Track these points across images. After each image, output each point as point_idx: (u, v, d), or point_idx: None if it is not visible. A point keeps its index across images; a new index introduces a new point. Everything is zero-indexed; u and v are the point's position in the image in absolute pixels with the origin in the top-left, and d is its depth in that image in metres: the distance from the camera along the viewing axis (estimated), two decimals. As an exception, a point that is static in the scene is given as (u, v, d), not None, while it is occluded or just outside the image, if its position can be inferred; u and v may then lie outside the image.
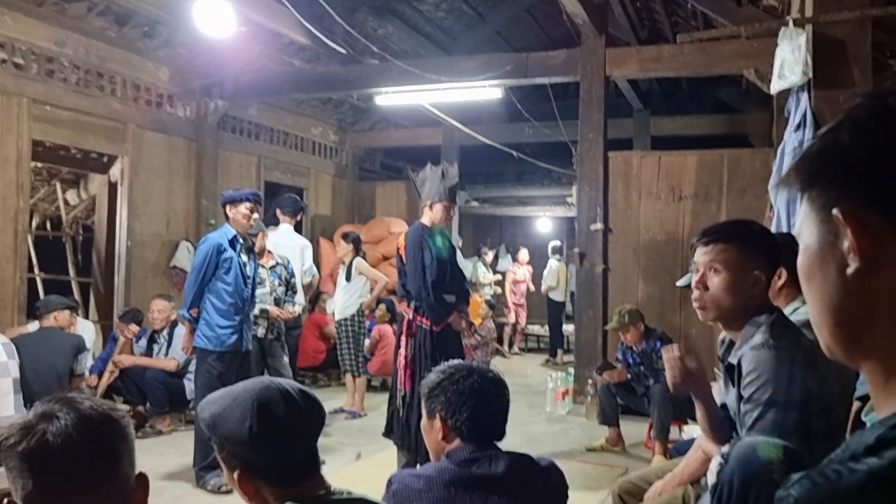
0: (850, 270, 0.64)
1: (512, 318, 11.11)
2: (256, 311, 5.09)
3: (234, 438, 1.39)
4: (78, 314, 5.90)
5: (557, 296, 10.54)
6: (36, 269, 8.42)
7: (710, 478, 1.29)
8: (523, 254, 11.44)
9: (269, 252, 5.72)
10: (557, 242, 11.17)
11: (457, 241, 10.24)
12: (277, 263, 5.76)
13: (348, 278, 6.46)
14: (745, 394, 1.78)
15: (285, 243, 6.34)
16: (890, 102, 0.63)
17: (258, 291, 5.08)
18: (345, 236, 6.74)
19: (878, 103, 0.64)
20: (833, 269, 0.66)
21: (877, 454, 0.55)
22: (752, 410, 1.74)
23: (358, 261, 6.50)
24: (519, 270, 11.38)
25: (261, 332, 5.35)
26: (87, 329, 5.98)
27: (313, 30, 6.48)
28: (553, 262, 10.62)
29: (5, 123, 6.11)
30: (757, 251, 1.92)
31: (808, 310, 0.72)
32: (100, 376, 5.90)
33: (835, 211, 0.64)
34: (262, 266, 5.47)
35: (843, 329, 0.67)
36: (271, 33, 7.26)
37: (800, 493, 0.57)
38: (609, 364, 5.39)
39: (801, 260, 0.71)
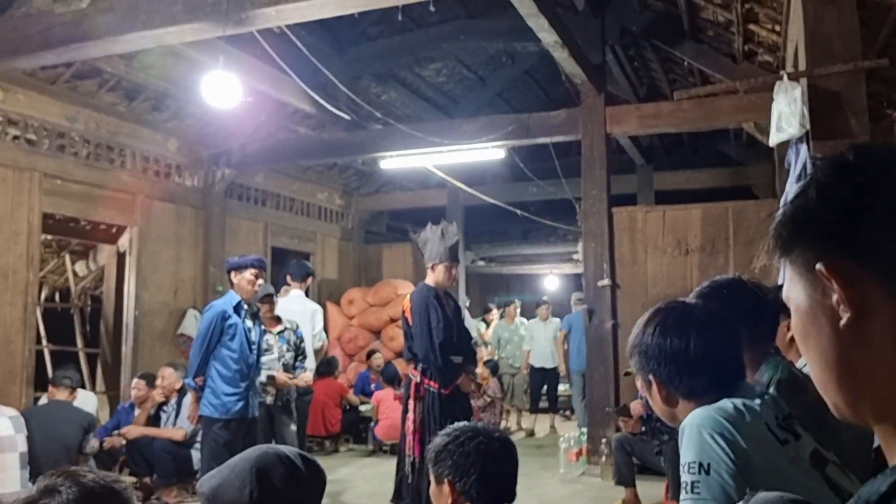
0: (842, 323, 0.64)
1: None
2: (263, 377, 5.05)
3: None
4: (76, 389, 5.75)
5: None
6: (44, 341, 8.41)
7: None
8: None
9: (278, 317, 5.70)
10: (545, 298, 10.13)
11: (463, 301, 10.19)
12: (286, 329, 5.73)
13: None
14: None
15: (295, 308, 6.36)
16: (847, 158, 0.67)
17: (266, 358, 5.05)
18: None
19: (837, 160, 0.67)
20: (826, 325, 0.67)
21: (890, 501, 0.55)
22: None
23: None
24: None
25: (269, 399, 5.30)
26: (87, 400, 5.93)
27: (318, 98, 6.62)
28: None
29: (17, 198, 6.21)
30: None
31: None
32: (101, 443, 5.79)
33: (818, 266, 0.65)
34: (270, 332, 5.45)
35: (845, 383, 0.67)
36: (277, 102, 7.44)
37: None
38: (627, 408, 5.27)
39: (794, 322, 0.72)
